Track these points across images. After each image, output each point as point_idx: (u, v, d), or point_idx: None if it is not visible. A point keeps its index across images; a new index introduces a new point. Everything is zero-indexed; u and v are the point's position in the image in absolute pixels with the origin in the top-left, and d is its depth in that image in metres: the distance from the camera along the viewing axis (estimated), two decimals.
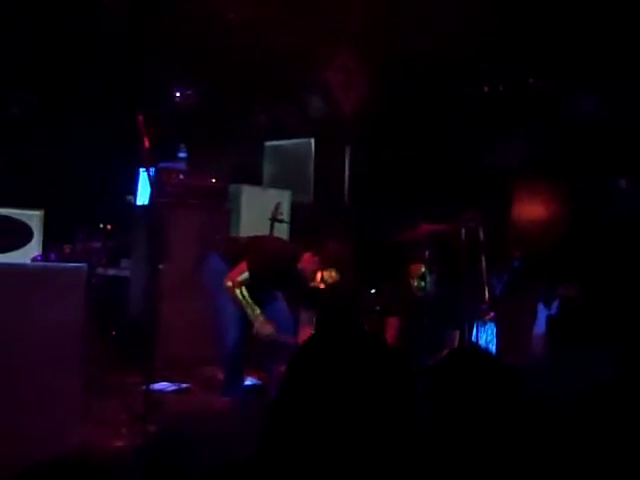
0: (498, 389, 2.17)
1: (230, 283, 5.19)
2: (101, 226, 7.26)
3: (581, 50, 7.13)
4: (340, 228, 7.72)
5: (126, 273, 7.37)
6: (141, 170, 7.24)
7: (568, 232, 7.67)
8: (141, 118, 4.25)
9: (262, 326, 5.21)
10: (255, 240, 5.73)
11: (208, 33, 7.24)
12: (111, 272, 7.24)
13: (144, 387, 4.36)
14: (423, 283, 5.88)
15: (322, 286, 5.10)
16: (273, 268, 5.26)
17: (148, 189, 7.21)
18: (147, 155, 4.21)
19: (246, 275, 5.19)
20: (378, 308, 6.45)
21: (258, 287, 5.28)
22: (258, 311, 5.22)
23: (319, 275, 5.10)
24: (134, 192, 7.33)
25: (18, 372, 3.11)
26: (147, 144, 4.21)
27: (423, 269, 5.91)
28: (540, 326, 7.05)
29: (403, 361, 1.71)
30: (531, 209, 8.25)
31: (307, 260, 5.21)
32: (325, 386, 1.60)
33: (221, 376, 5.65)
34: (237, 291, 5.19)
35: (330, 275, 5.08)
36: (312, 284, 5.15)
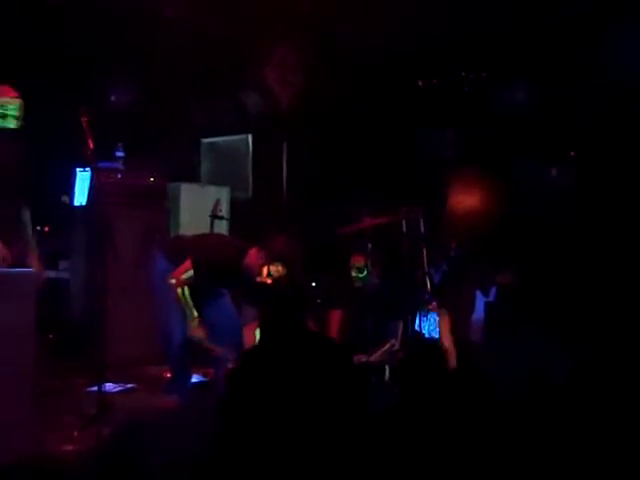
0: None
1: (174, 280, 5.18)
2: (38, 228, 7.18)
3: (511, 41, 7.27)
4: (281, 223, 7.75)
5: (65, 275, 7.30)
6: (78, 170, 7.16)
7: (502, 221, 7.83)
8: (85, 118, 4.23)
9: (195, 331, 5.22)
10: (198, 238, 5.72)
11: (143, 29, 7.17)
12: (50, 274, 7.16)
13: (93, 389, 4.33)
14: (363, 274, 5.95)
15: (269, 281, 5.11)
16: (218, 265, 5.25)
17: (86, 189, 7.15)
18: (91, 155, 4.18)
19: (190, 273, 5.17)
20: (319, 301, 6.50)
21: (203, 285, 5.28)
22: (195, 313, 5.22)
23: (265, 270, 5.11)
24: (70, 192, 7.23)
25: None
26: (91, 145, 4.19)
27: (363, 261, 5.97)
28: (479, 313, 7.20)
29: (348, 357, 1.76)
30: (466, 199, 8.40)
31: (253, 255, 5.21)
32: (274, 384, 1.64)
33: (166, 375, 5.64)
34: (179, 290, 5.18)
35: (277, 269, 5.09)
36: (259, 279, 5.16)
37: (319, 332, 5.86)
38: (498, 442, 2.24)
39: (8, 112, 4.73)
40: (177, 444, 3.10)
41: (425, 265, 6.21)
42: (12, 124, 4.75)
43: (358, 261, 6.14)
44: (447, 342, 6.01)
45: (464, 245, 7.69)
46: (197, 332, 5.22)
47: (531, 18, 6.88)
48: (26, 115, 6.63)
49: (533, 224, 7.63)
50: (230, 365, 5.24)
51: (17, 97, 4.80)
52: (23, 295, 3.45)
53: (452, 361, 5.81)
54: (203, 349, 5.35)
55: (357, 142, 8.06)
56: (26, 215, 5.03)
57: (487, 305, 7.18)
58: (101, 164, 7.06)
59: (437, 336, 6.27)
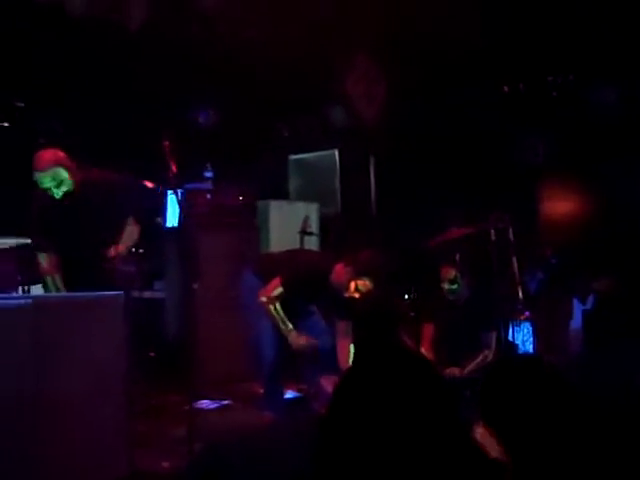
0: (543, 393, 2.19)
1: (264, 299, 5.22)
2: (134, 250, 7.37)
3: (597, 42, 7.10)
4: (369, 237, 7.74)
5: (161, 295, 7.46)
6: (169, 193, 7.32)
7: (598, 227, 7.63)
8: (167, 143, 4.32)
9: (296, 339, 5.24)
10: (287, 254, 5.76)
11: (227, 51, 7.28)
12: (146, 295, 7.33)
13: (187, 407, 4.40)
14: (455, 286, 5.87)
15: (357, 295, 5.10)
16: (306, 281, 5.27)
17: (177, 211, 7.30)
18: (174, 179, 4.27)
19: (280, 290, 5.21)
20: (413, 314, 6.45)
21: (293, 301, 5.31)
22: (290, 326, 5.25)
23: (353, 285, 5.10)
24: (163, 215, 7.40)
25: (64, 403, 3.16)
26: (174, 168, 4.28)
27: (454, 272, 5.90)
28: (577, 322, 7.02)
29: (440, 378, 1.75)
30: (560, 205, 8.22)
31: (339, 271, 5.22)
32: (372, 407, 1.64)
33: (261, 391, 5.67)
34: (271, 307, 5.22)
35: (364, 284, 5.07)
36: (347, 294, 5.15)
37: (411, 348, 5.81)
38: (588, 457, 2.16)
39: (45, 185, 4.88)
40: (269, 461, 3.09)
41: (516, 274, 6.10)
42: (56, 194, 4.92)
43: (449, 273, 6.07)
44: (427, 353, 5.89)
45: (560, 252, 7.53)
46: (299, 340, 5.24)
47: (616, 17, 6.70)
48: (117, 141, 6.87)
49: (630, 229, 7.40)
50: (323, 379, 5.25)
51: (46, 168, 4.89)
52: (112, 317, 3.54)
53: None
54: (306, 359, 5.36)
55: (444, 152, 7.99)
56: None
57: (585, 313, 6.99)
58: (190, 185, 7.25)
59: (531, 346, 6.14)
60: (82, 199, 5.01)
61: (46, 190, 4.85)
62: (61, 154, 4.95)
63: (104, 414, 3.38)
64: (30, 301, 3.22)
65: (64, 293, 3.44)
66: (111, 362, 3.47)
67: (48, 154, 4.91)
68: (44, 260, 4.82)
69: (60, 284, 4.77)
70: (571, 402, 2.19)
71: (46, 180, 4.83)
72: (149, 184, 5.03)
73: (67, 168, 4.91)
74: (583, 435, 2.13)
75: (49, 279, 4.81)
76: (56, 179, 4.85)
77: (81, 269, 4.83)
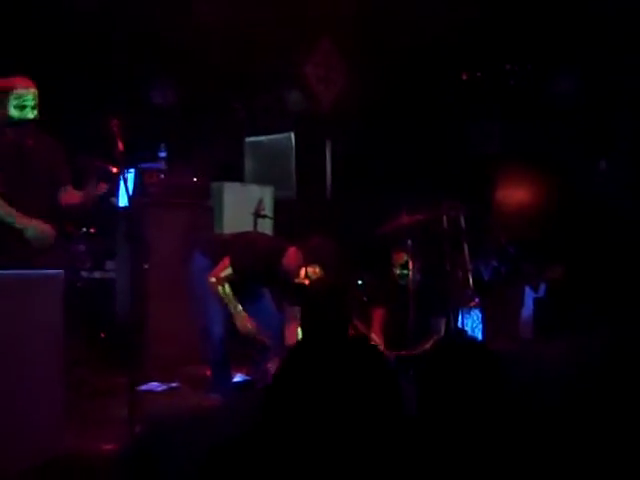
0: (483, 377, 2.20)
1: (214, 279, 5.18)
2: (84, 229, 7.28)
3: (556, 31, 7.14)
4: (323, 222, 7.72)
5: (111, 275, 7.38)
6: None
7: (552, 215, 7.70)
8: (115, 121, 4.25)
9: (243, 323, 5.21)
10: (238, 236, 5.71)
11: (183, 30, 7.20)
12: (96, 275, 7.25)
13: (139, 388, 4.35)
14: (405, 271, 5.90)
15: (306, 282, 5.08)
16: (257, 263, 5.23)
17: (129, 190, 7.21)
18: (121, 158, 4.21)
19: (229, 271, 5.17)
20: (365, 299, 6.47)
21: (242, 283, 5.27)
22: (240, 307, 5.21)
23: (303, 271, 5.08)
24: (116, 194, 7.31)
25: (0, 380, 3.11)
26: (121, 147, 4.21)
27: (405, 258, 5.92)
28: (528, 310, 7.09)
29: (385, 360, 1.76)
30: (514, 194, 8.28)
31: (291, 255, 5.18)
32: (313, 387, 1.65)
33: (209, 374, 5.64)
34: (220, 287, 5.17)
35: (314, 271, 5.05)
36: (296, 280, 5.13)
37: (357, 334, 5.83)
38: (530, 445, 2.17)
39: (26, 103, 4.71)
40: (210, 441, 3.04)
41: (467, 261, 6.13)
42: (31, 114, 4.73)
43: (400, 258, 6.09)
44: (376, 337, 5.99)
45: (513, 240, 7.58)
46: (246, 323, 5.21)
47: (574, 5, 6.74)
48: (75, 119, 6.74)
49: (582, 218, 7.48)
50: (271, 364, 5.23)
51: (32, 87, 4.77)
52: (50, 297, 3.47)
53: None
54: (252, 342, 5.34)
55: (399, 139, 7.99)
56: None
57: (536, 301, 7.06)
58: (144, 165, 7.16)
59: (480, 333, 6.19)
60: (31, 145, 4.86)
61: (21, 108, 4.70)
62: None
63: (38, 395, 3.32)
64: None
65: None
66: (48, 342, 3.41)
67: (25, 77, 4.79)
68: None
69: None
70: (504, 392, 2.20)
71: (28, 98, 4.70)
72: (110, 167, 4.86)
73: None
74: (511, 426, 2.14)
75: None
76: (35, 100, 4.74)
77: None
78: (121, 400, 5.45)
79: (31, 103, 4.72)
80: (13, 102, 4.67)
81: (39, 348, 3.32)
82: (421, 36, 7.28)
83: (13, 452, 3.17)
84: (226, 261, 5.17)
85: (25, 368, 3.18)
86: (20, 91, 4.69)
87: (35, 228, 4.52)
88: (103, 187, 4.95)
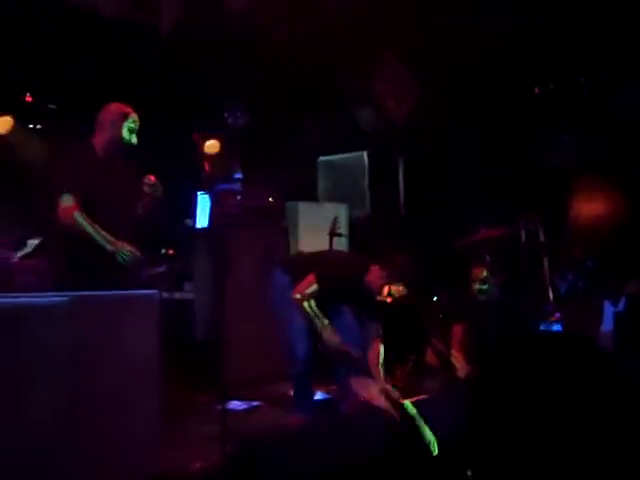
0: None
1: (299, 296, 5.21)
2: (163, 251, 7.42)
3: (630, 44, 7.04)
4: (398, 239, 7.72)
5: (190, 296, 7.50)
6: (199, 193, 7.35)
7: (630, 228, 7.56)
8: (202, 142, 4.33)
9: (331, 336, 5.22)
10: (321, 254, 5.77)
11: (257, 51, 7.30)
12: (176, 296, 7.38)
13: (218, 407, 4.41)
14: (485, 287, 5.86)
15: (389, 300, 5.10)
16: (341, 280, 5.27)
17: (207, 212, 7.34)
18: (208, 179, 4.28)
19: (315, 287, 5.20)
20: (441, 316, 6.44)
21: (326, 300, 5.31)
22: (327, 322, 5.24)
23: (386, 289, 5.11)
24: (193, 216, 7.44)
25: (99, 399, 3.18)
26: (207, 169, 4.29)
27: (485, 273, 5.88)
28: (608, 324, 6.96)
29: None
30: (591, 207, 8.15)
31: (374, 273, 5.21)
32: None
33: (291, 392, 5.68)
34: (305, 304, 5.21)
35: (397, 289, 5.09)
36: (379, 298, 5.15)
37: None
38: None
39: (136, 127, 4.89)
40: (300, 462, 3.11)
41: (547, 276, 6.06)
42: (135, 139, 4.91)
43: (479, 273, 6.05)
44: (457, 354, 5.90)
45: (591, 254, 7.46)
46: (333, 338, 5.23)
47: None
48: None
49: None
50: (353, 380, 5.23)
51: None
52: (147, 316, 3.55)
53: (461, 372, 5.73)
54: (337, 356, 5.36)
55: (474, 153, 7.95)
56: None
57: (616, 315, 6.93)
58: (220, 186, 7.28)
59: None
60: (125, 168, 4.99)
61: (130, 133, 4.84)
62: None
63: (138, 414, 3.40)
64: (66, 299, 3.24)
65: (100, 292, 3.43)
66: (146, 361, 3.49)
67: None
68: (68, 201, 4.57)
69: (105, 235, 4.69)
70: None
71: (137, 123, 4.89)
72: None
73: None
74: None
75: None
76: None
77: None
78: (202, 418, 5.54)
79: (137, 128, 4.91)
80: (129, 126, 4.85)
81: (138, 366, 3.39)
82: (493, 48, 7.25)
83: (110, 473, 3.24)
84: (311, 278, 5.21)
85: (125, 387, 3.25)
86: (134, 116, 4.88)
87: (125, 251, 4.61)
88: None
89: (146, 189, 4.85)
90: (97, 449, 3.16)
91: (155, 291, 3.81)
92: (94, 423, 3.07)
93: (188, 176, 6.61)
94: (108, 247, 4.57)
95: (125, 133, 4.86)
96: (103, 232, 4.59)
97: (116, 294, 3.37)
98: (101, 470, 3.28)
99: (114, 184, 4.80)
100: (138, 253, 4.65)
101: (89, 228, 4.57)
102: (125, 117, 4.86)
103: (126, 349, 3.29)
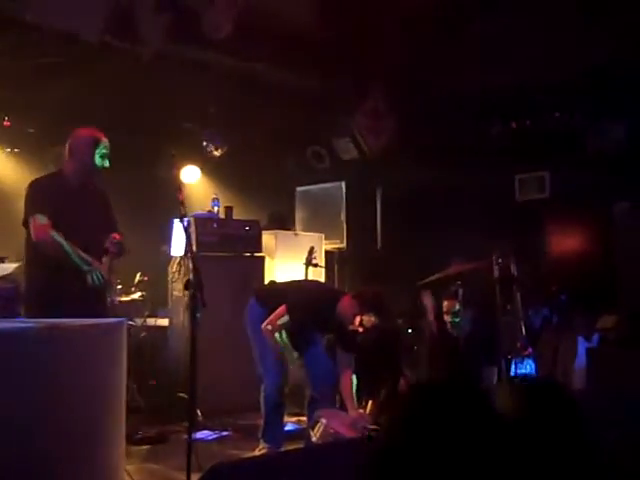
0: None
1: (270, 327, 5.22)
2: (137, 278, 7.39)
3: (602, 79, 7.14)
4: (374, 271, 7.74)
5: (164, 323, 7.47)
6: (175, 221, 7.34)
7: (604, 264, 7.61)
8: (178, 171, 4.34)
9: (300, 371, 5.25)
10: (294, 284, 5.78)
11: (236, 81, 7.33)
12: (149, 322, 7.34)
13: (186, 437, 4.38)
14: (457, 319, 5.88)
15: (360, 330, 5.11)
16: (313, 310, 5.28)
17: (183, 239, 7.32)
18: (182, 207, 4.29)
19: (286, 318, 5.21)
20: (416, 347, 6.46)
21: (298, 331, 5.31)
22: (296, 355, 5.25)
23: (358, 319, 5.12)
24: (168, 243, 7.42)
25: (63, 426, 3.16)
26: (181, 196, 4.31)
27: (457, 306, 5.91)
28: (581, 360, 6.98)
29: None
30: (566, 242, 8.21)
31: (346, 303, 5.22)
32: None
33: (261, 422, 5.66)
34: (277, 335, 5.22)
35: (369, 320, 5.10)
36: (351, 327, 5.16)
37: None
38: None
39: (108, 153, 4.91)
40: None
41: (519, 309, 6.09)
42: (107, 163, 4.92)
43: (451, 306, 6.08)
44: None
45: (565, 289, 7.50)
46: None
47: (624, 54, 6.74)
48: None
49: (636, 268, 7.38)
50: (325, 411, 5.23)
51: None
52: (115, 344, 3.53)
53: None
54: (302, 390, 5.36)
55: (450, 186, 8.01)
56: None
57: (589, 351, 6.96)
58: (197, 214, 7.28)
59: None
60: (96, 193, 5.04)
61: (102, 159, 4.85)
62: None
63: (102, 444, 3.37)
64: (33, 325, 3.23)
65: (68, 320, 3.41)
66: (112, 387, 3.46)
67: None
68: (42, 220, 4.58)
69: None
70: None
71: (106, 149, 4.89)
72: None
73: None
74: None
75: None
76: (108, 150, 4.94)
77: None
78: (172, 448, 5.51)
79: (107, 152, 4.92)
80: (101, 151, 4.86)
81: (102, 395, 3.37)
82: (471, 83, 7.33)
83: None
84: (282, 309, 5.21)
85: (87, 414, 3.22)
86: (105, 141, 4.90)
87: (99, 273, 4.61)
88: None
89: (110, 248, 4.85)
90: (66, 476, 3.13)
91: (123, 319, 3.80)
92: (53, 454, 3.03)
93: (166, 203, 6.64)
94: (84, 267, 4.58)
95: (97, 160, 4.87)
96: (79, 251, 4.60)
97: (82, 323, 3.35)
98: None
99: (85, 210, 4.81)
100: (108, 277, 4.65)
101: (66, 246, 4.58)
102: (96, 144, 4.87)
103: (92, 379, 3.26)
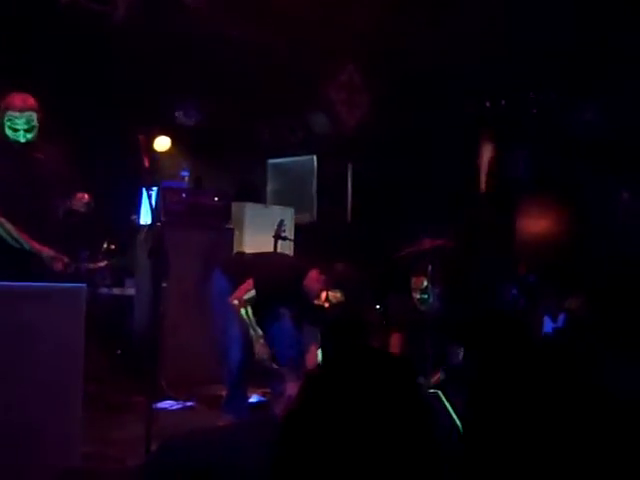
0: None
1: (236, 302, 5.17)
2: (105, 246, 7.30)
3: (579, 59, 7.13)
4: (343, 246, 7.71)
5: (131, 292, 7.40)
6: (144, 189, 7.25)
7: (573, 245, 7.65)
8: (143, 138, 4.24)
9: (261, 348, 5.20)
10: (261, 257, 5.73)
11: (209, 49, 7.24)
12: (116, 291, 7.27)
13: (153, 405, 4.34)
14: (425, 296, 5.86)
15: (326, 305, 5.09)
16: (279, 284, 5.24)
17: (150, 208, 7.24)
18: (147, 175, 4.21)
19: (252, 293, 5.17)
20: (385, 323, 6.44)
21: (264, 304, 5.27)
22: (260, 332, 5.22)
23: (324, 294, 5.09)
24: (138, 212, 7.34)
25: (18, 391, 3.11)
26: (147, 164, 4.21)
27: (425, 283, 5.89)
28: None
29: (411, 373, 1.70)
30: (536, 222, 8.24)
31: (313, 278, 5.19)
32: (340, 404, 1.60)
33: (224, 394, 5.64)
34: (242, 310, 5.17)
35: (335, 296, 5.07)
36: (316, 302, 5.13)
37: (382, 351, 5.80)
38: None
39: (17, 127, 4.59)
40: (225, 462, 3.04)
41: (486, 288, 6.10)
42: (22, 138, 4.61)
43: (419, 283, 6.06)
44: None
45: (534, 269, 7.53)
46: (262, 351, 5.21)
47: (599, 35, 6.73)
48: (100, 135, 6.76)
49: (604, 249, 7.43)
50: (289, 384, 5.21)
51: (29, 109, 4.64)
52: (73, 311, 3.47)
53: None
54: (264, 368, 5.35)
55: (423, 163, 7.99)
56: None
57: (555, 331, 7.00)
58: (167, 183, 7.20)
59: None
60: (40, 158, 4.79)
61: (13, 130, 4.57)
62: (35, 100, 4.70)
63: (55, 410, 3.32)
64: None
65: (18, 283, 3.33)
66: (69, 354, 3.41)
67: (25, 96, 4.66)
68: None
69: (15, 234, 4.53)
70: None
71: (20, 122, 4.57)
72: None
73: (39, 117, 4.67)
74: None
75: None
76: (29, 123, 4.60)
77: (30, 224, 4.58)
78: (136, 417, 5.48)
79: (23, 126, 4.61)
80: (7, 123, 4.59)
81: (59, 361, 3.32)
82: (446, 62, 7.29)
83: (27, 466, 3.17)
84: (249, 283, 5.17)
85: (44, 380, 3.18)
86: (12, 113, 4.59)
87: (48, 255, 4.51)
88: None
89: (79, 207, 4.72)
90: (14, 445, 3.08)
91: (82, 285, 3.73)
92: (9, 418, 2.99)
93: (135, 172, 6.55)
94: (26, 248, 4.46)
95: (7, 130, 4.61)
96: (17, 234, 4.47)
97: (39, 285, 3.29)
98: (18, 467, 3.21)
99: (28, 177, 4.65)
100: (61, 256, 4.54)
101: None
102: (3, 113, 4.60)
103: (47, 342, 3.21)
